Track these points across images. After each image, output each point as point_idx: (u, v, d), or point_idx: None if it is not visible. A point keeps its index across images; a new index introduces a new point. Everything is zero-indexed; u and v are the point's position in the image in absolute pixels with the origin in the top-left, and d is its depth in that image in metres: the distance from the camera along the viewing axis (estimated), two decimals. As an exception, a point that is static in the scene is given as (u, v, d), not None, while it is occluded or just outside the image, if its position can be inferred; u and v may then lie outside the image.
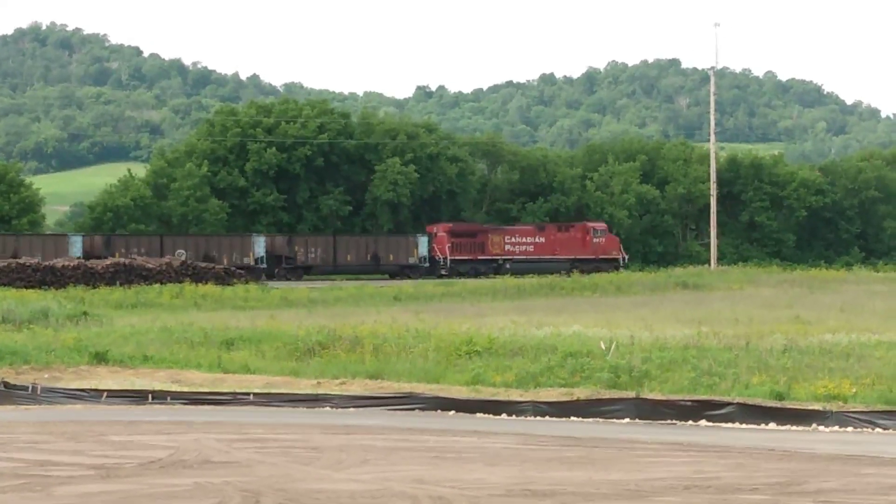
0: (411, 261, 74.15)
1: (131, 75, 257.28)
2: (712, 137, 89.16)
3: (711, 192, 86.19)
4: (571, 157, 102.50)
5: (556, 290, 59.08)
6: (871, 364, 25.56)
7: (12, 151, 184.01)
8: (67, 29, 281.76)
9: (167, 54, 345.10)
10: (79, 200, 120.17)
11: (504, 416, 23.19)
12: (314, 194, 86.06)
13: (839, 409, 21.78)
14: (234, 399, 24.87)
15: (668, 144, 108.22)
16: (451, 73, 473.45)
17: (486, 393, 24.61)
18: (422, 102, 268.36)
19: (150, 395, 25.16)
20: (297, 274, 70.12)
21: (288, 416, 23.14)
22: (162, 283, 56.32)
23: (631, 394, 23.45)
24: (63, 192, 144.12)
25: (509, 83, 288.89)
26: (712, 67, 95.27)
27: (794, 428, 21.40)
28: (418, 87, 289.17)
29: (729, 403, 22.39)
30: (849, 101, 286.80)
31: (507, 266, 75.69)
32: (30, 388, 25.59)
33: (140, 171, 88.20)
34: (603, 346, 27.43)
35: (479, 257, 76.42)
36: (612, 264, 78.49)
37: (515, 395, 24.23)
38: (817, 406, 22.01)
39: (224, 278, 60.44)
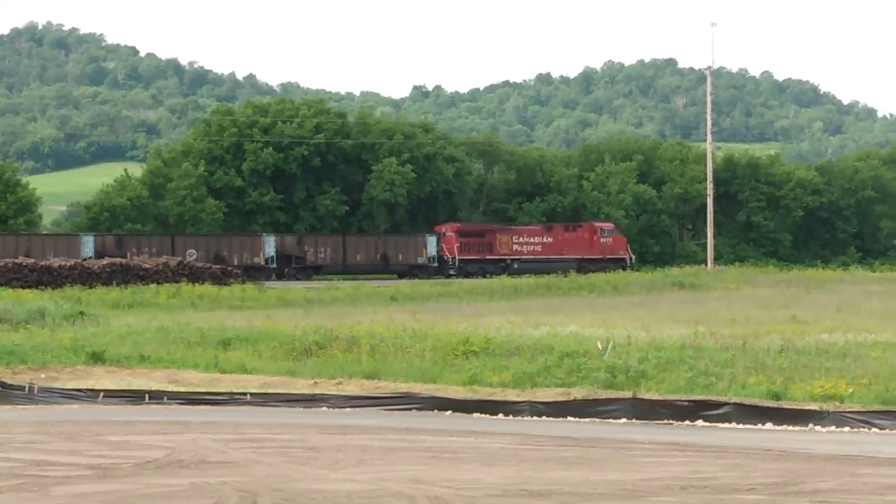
0: (420, 261, 74.83)
1: (128, 75, 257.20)
2: (709, 137, 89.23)
3: (708, 192, 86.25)
4: (568, 157, 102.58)
5: (552, 290, 59.09)
6: (868, 364, 25.56)
7: (9, 151, 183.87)
8: (64, 28, 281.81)
9: (163, 54, 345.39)
10: (75, 200, 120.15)
11: (501, 416, 23.19)
12: (311, 194, 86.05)
13: (836, 409, 21.79)
14: (231, 399, 24.86)
15: (664, 144, 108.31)
16: (447, 73, 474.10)
17: (483, 393, 24.61)
18: (418, 102, 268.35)
19: (146, 395, 25.15)
20: (306, 273, 70.77)
21: (285, 416, 23.13)
22: (159, 283, 56.32)
23: (627, 394, 23.46)
24: (60, 191, 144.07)
25: (506, 83, 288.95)
26: (709, 67, 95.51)
27: (790, 428, 21.40)
28: (415, 87, 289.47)
29: (725, 403, 22.39)
30: (845, 101, 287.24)
31: (516, 266, 76.08)
32: (26, 388, 25.58)
33: (137, 170, 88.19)
34: (600, 346, 27.43)
35: (488, 257, 76.81)
36: (619, 264, 79.05)
37: (512, 395, 24.22)
38: (814, 406, 22.01)
39: (221, 278, 60.45)
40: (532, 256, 77.89)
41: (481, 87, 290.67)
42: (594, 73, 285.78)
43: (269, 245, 70.11)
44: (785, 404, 22.33)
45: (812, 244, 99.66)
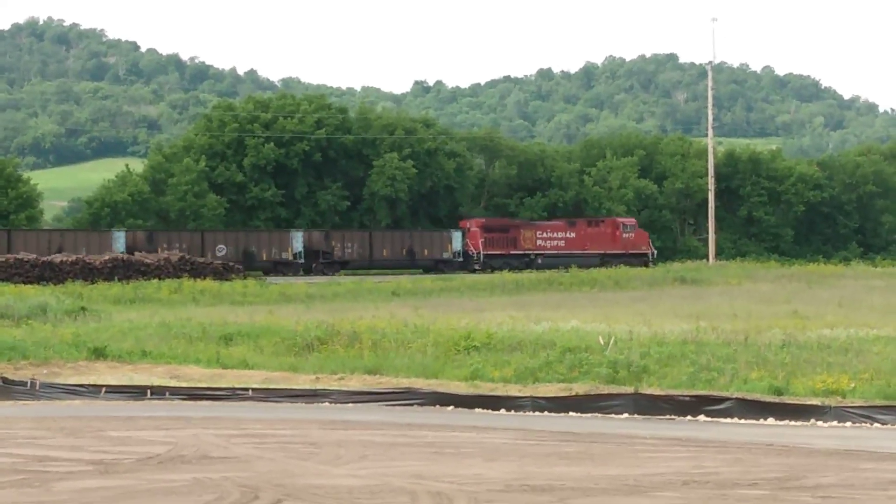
0: (445, 255, 75.88)
1: (129, 70, 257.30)
2: (710, 132, 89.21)
3: (709, 187, 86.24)
4: (569, 152, 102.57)
5: (554, 285, 59.10)
6: (870, 359, 25.55)
7: (10, 147, 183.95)
8: (65, 24, 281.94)
9: (164, 49, 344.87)
10: (76, 196, 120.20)
11: (503, 411, 23.19)
12: (312, 189, 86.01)
13: (838, 404, 21.79)
14: (233, 394, 24.87)
15: (665, 139, 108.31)
16: (448, 68, 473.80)
17: (485, 388, 24.61)
18: (419, 97, 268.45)
19: (148, 391, 25.16)
20: (333, 268, 71.56)
21: (286, 411, 23.14)
22: (160, 279, 56.33)
23: (629, 389, 23.46)
24: (61, 187, 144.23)
25: (507, 78, 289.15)
26: (710, 62, 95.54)
27: (792, 423, 21.40)
28: (416, 82, 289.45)
29: (727, 398, 22.39)
30: (847, 96, 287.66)
31: (539, 260, 76.65)
32: (28, 384, 25.60)
33: (138, 166, 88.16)
34: (601, 342, 27.44)
35: (512, 252, 77.31)
36: (641, 259, 79.61)
37: (514, 391, 24.22)
38: (816, 401, 22.01)
39: (222, 273, 60.49)
40: (556, 251, 78.38)
41: (482, 83, 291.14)
42: (595, 68, 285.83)
43: (298, 240, 71.28)
44: (787, 399, 22.33)
45: (813, 239, 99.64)
